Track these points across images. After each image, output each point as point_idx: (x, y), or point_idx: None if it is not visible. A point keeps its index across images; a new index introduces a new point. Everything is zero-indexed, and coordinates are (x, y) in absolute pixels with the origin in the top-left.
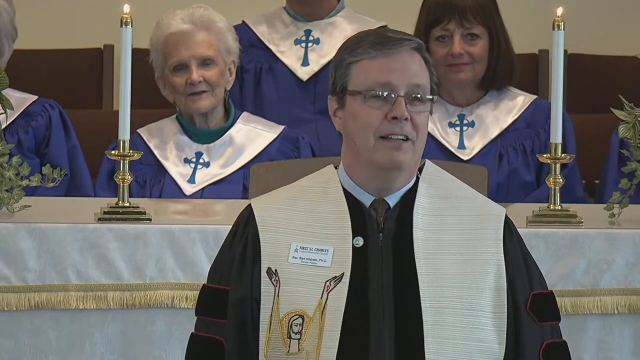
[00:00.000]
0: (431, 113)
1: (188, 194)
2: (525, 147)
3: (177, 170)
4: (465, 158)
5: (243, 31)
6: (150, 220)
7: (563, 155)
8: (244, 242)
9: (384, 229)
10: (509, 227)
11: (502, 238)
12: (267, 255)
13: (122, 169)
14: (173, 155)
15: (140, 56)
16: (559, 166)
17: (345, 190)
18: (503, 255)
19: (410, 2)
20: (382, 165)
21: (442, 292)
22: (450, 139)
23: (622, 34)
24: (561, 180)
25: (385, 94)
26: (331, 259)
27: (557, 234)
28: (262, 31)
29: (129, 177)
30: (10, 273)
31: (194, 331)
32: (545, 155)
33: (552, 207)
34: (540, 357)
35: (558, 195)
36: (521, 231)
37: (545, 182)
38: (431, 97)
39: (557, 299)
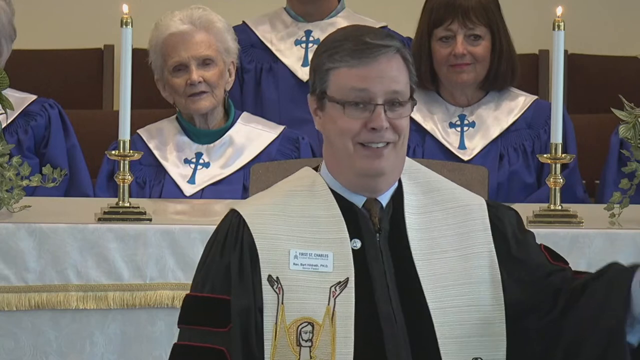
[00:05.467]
0: (411, 108)
1: (188, 194)
2: (525, 148)
3: (176, 171)
4: (466, 158)
5: (243, 31)
6: (150, 220)
7: (563, 155)
8: (238, 250)
9: (380, 229)
10: (492, 210)
11: (489, 226)
12: (266, 262)
13: (122, 169)
14: (173, 155)
15: (140, 56)
16: (559, 166)
17: (333, 192)
18: (493, 245)
19: (410, 2)
20: (362, 172)
21: (444, 292)
22: (450, 139)
23: (622, 34)
24: (561, 180)
25: (363, 103)
26: (332, 264)
27: (557, 234)
28: (262, 31)
29: (129, 177)
30: (10, 273)
31: (177, 342)
32: (545, 155)
33: (552, 207)
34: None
35: (558, 195)
36: None
37: (546, 182)
38: (409, 98)
39: None
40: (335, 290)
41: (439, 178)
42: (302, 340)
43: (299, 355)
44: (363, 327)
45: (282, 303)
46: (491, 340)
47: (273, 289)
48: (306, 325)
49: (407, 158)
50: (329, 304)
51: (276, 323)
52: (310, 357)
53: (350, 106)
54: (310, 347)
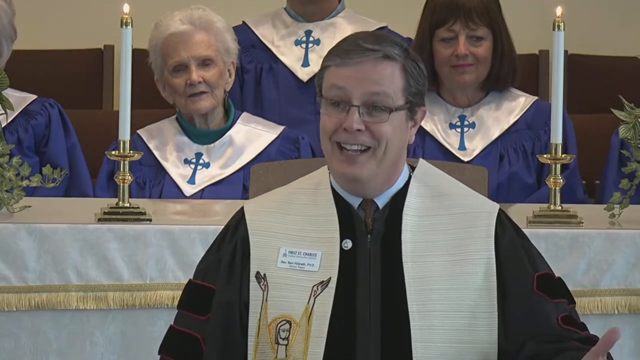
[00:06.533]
0: (416, 123)
1: (188, 194)
2: (525, 148)
3: (176, 171)
4: (466, 159)
5: (243, 31)
6: (150, 220)
7: (563, 156)
8: (233, 244)
9: (372, 231)
10: (502, 222)
11: (493, 235)
12: (256, 259)
13: (122, 169)
14: (173, 156)
15: (140, 56)
16: (559, 166)
17: (335, 192)
18: (494, 253)
19: (410, 2)
20: (340, 175)
21: (429, 295)
22: (450, 140)
23: (622, 34)
24: (561, 180)
25: (339, 102)
26: (319, 263)
27: (557, 234)
28: (262, 31)
29: (129, 177)
30: (10, 273)
31: (172, 323)
32: (545, 156)
33: (552, 207)
34: (560, 325)
35: (558, 195)
36: None
37: (546, 183)
38: (396, 107)
39: None
40: (317, 289)
41: (454, 183)
42: (280, 338)
43: (277, 353)
44: (337, 328)
45: (266, 300)
46: (472, 348)
47: (259, 285)
48: (285, 324)
49: (426, 163)
50: (308, 303)
51: (259, 320)
52: (286, 355)
53: (329, 105)
54: (286, 345)
